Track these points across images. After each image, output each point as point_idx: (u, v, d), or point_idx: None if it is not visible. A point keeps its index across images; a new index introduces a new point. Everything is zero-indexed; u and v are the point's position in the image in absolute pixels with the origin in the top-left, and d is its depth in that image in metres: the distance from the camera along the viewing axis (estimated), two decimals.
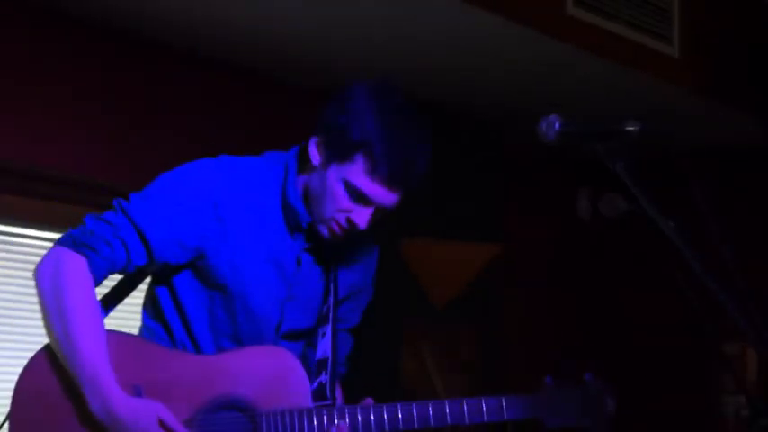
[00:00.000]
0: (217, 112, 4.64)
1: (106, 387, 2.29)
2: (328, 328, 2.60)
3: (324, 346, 2.61)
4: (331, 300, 2.61)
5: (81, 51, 4.26)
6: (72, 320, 2.31)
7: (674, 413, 5.85)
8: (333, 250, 2.59)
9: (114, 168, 4.26)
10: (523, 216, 6.00)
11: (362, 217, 2.44)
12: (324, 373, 2.57)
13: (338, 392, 2.64)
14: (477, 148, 5.55)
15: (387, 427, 2.45)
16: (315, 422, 2.43)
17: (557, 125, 2.26)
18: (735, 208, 5.43)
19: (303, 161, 2.53)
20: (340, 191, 2.42)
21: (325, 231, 2.49)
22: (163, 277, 2.53)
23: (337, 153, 2.42)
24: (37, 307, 2.37)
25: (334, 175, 2.43)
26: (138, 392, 2.33)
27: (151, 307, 2.57)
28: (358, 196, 2.42)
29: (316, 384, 2.56)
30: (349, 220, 2.45)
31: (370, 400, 2.51)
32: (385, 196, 2.42)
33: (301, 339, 2.63)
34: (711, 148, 5.62)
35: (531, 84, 4.98)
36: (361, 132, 2.38)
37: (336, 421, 2.43)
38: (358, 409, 2.46)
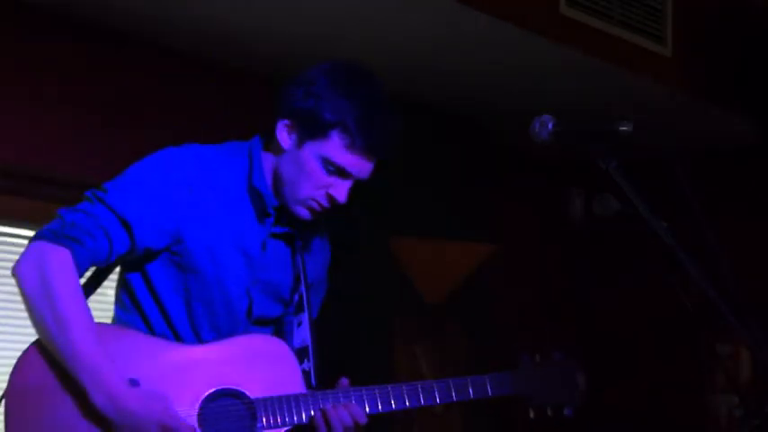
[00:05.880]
0: (210, 112, 4.63)
1: (110, 380, 2.29)
2: (304, 317, 2.64)
3: (302, 335, 2.64)
4: (302, 287, 2.64)
5: (80, 52, 4.26)
6: (66, 314, 2.30)
7: (667, 412, 5.86)
8: (299, 238, 2.63)
9: (114, 170, 4.25)
10: (516, 216, 6.01)
11: (342, 191, 2.51)
12: (306, 360, 2.60)
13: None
14: (470, 147, 5.56)
15: (380, 407, 2.53)
16: (311, 406, 2.48)
17: (550, 125, 2.27)
18: (727, 207, 5.43)
19: (269, 146, 2.57)
20: (318, 168, 2.48)
21: (303, 212, 2.53)
22: (136, 266, 2.53)
23: (310, 132, 2.48)
24: None
25: (311, 152, 2.48)
26: (136, 385, 2.33)
27: (126, 299, 2.56)
28: (337, 170, 2.49)
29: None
30: (329, 196, 2.50)
31: (345, 380, 2.57)
32: (363, 167, 2.50)
33: (269, 326, 2.65)
34: (704, 148, 5.62)
35: (524, 83, 4.98)
36: (333, 111, 2.46)
37: (333, 404, 2.48)
38: (352, 392, 2.52)
